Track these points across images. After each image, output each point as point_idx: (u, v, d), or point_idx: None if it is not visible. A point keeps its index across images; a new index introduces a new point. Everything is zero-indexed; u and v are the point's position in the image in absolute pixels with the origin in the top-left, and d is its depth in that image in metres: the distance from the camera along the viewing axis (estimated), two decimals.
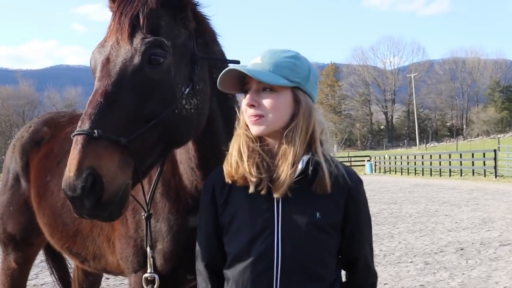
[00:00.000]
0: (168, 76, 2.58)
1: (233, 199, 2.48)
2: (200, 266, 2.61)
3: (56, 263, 5.65)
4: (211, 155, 3.05)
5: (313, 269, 2.35)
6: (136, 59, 2.52)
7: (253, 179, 2.35)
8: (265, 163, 2.39)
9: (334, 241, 2.43)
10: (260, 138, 2.43)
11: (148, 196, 3.03)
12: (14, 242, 4.69)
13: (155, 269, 3.23)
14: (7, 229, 4.68)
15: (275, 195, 2.36)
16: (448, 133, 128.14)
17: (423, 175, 48.60)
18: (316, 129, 2.39)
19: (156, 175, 3.04)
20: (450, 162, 47.14)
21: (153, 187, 3.04)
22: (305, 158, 2.36)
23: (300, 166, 2.34)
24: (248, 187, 2.39)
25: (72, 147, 2.33)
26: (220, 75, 2.45)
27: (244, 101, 2.43)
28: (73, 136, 2.36)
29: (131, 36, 2.58)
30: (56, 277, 5.72)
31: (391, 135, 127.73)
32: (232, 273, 2.43)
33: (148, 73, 2.53)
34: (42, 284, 9.25)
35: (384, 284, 8.84)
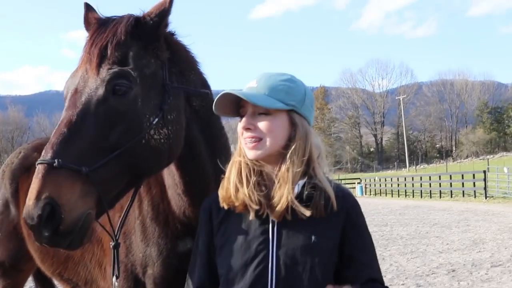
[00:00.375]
0: (133, 107, 2.57)
1: (229, 220, 2.45)
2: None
3: None
4: (197, 180, 3.06)
5: None
6: (101, 90, 2.53)
7: (254, 206, 2.33)
8: (263, 187, 2.37)
9: (330, 264, 2.36)
10: (256, 163, 2.40)
11: (118, 225, 2.98)
12: (2, 268, 4.65)
13: None
14: None
15: (272, 218, 2.34)
16: (438, 155, 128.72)
17: (413, 197, 48.61)
18: (313, 152, 2.38)
19: (127, 204, 2.97)
20: (440, 183, 47.07)
21: (123, 217, 2.98)
22: (301, 182, 2.35)
23: (296, 190, 2.33)
24: (244, 211, 2.38)
25: (33, 177, 2.33)
26: (215, 99, 2.42)
27: (239, 124, 2.42)
28: (36, 165, 2.36)
29: (99, 66, 2.58)
30: None
31: (381, 157, 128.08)
32: None
33: (113, 103, 2.53)
34: None
35: None
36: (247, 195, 2.34)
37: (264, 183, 2.39)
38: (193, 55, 3.10)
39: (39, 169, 2.32)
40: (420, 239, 17.12)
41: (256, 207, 2.33)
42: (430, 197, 44.85)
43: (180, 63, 2.94)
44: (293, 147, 2.34)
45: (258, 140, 2.34)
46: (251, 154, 2.36)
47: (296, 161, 2.33)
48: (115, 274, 2.87)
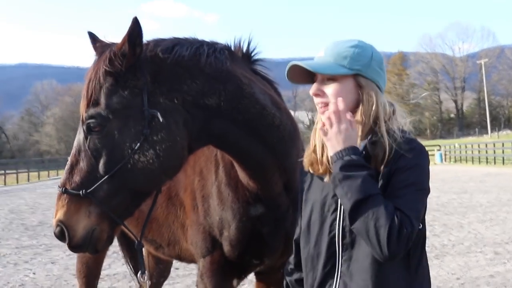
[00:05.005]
0: (110, 140, 2.90)
1: (312, 180, 2.71)
2: (293, 240, 2.87)
3: (130, 253, 5.87)
4: (247, 160, 3.29)
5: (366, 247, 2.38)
6: (83, 128, 2.94)
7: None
8: None
9: None
10: None
11: (142, 228, 3.38)
12: None
13: (223, 254, 3.53)
14: None
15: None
16: None
17: (495, 163, 47.36)
18: (380, 111, 2.48)
19: (148, 211, 3.31)
20: None
21: (145, 220, 3.32)
22: (365, 140, 2.47)
23: (360, 148, 2.45)
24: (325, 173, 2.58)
25: None
26: (286, 71, 2.58)
27: (310, 91, 2.57)
28: None
29: (86, 106, 2.96)
30: (130, 266, 5.95)
31: (461, 124, 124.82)
32: (302, 246, 2.68)
33: (93, 139, 2.91)
34: (114, 274, 9.60)
35: (453, 274, 8.77)
36: (328, 160, 2.50)
37: None
38: (188, 62, 3.11)
39: (56, 196, 2.94)
40: (500, 206, 16.80)
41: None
42: None
43: (167, 80, 3.04)
44: (361, 108, 2.47)
45: (326, 105, 2.49)
46: (323, 118, 2.50)
47: (366, 121, 2.46)
48: (140, 273, 3.23)
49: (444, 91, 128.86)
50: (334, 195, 2.50)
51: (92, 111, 2.90)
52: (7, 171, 48.52)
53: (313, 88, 2.54)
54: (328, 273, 2.52)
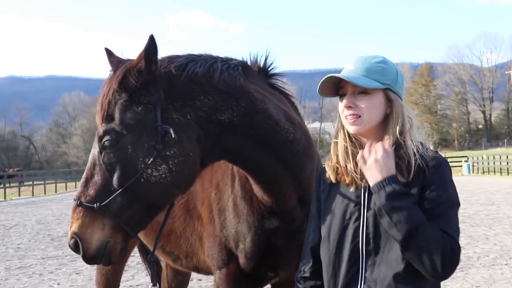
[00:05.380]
0: (124, 154, 2.95)
1: (331, 188, 2.79)
2: (305, 249, 2.89)
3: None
4: (260, 173, 3.31)
5: (395, 253, 2.48)
6: (98, 143, 2.99)
7: (360, 182, 2.63)
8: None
9: None
10: (355, 138, 2.70)
11: (154, 242, 3.38)
12: None
13: (239, 266, 3.55)
14: None
15: (364, 185, 2.63)
16: None
17: None
18: (405, 124, 2.62)
19: (161, 225, 3.32)
20: None
21: (158, 234, 3.34)
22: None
23: None
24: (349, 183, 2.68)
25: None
26: (320, 82, 2.67)
27: (340, 104, 2.68)
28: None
29: (101, 122, 3.01)
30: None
31: (489, 135, 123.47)
32: (324, 253, 2.73)
33: (107, 154, 2.96)
34: (137, 285, 9.66)
35: (477, 286, 8.69)
36: (353, 170, 2.64)
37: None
38: (202, 78, 3.12)
39: (72, 208, 2.98)
40: None
41: (360, 182, 2.63)
42: None
43: (181, 96, 3.07)
44: (392, 121, 2.62)
45: (358, 117, 2.61)
46: (352, 129, 2.64)
47: (394, 132, 2.60)
48: (152, 283, 3.25)
49: (472, 102, 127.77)
50: (357, 204, 2.63)
51: (105, 128, 2.95)
52: (35, 182, 49.23)
53: (346, 100, 2.63)
54: (352, 279, 2.60)
